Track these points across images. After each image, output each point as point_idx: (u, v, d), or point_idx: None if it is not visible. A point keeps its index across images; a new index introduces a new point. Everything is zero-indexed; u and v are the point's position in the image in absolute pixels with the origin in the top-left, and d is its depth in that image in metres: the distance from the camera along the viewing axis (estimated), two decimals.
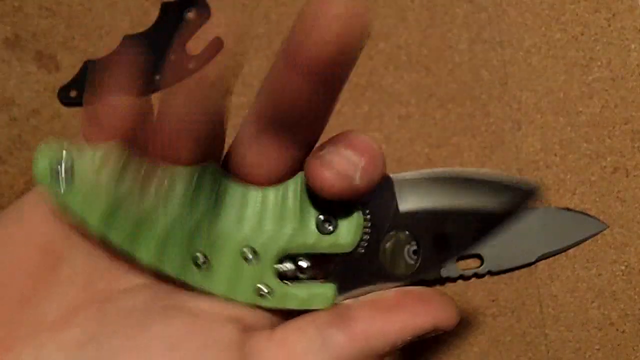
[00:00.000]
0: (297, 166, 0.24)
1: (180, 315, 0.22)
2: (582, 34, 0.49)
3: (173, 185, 0.22)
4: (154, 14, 0.50)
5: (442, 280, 0.45)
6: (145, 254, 0.22)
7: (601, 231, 0.46)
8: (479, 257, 0.45)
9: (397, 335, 0.23)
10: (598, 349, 0.45)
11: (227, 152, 0.25)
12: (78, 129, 0.49)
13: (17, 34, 0.51)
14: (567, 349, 0.45)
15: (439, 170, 0.25)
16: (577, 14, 0.49)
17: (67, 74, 0.50)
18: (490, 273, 0.46)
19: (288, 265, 0.24)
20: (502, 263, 0.45)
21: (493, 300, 0.46)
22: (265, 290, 0.23)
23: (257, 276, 0.23)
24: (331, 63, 0.19)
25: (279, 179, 0.23)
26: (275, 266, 0.23)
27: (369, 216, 0.24)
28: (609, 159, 0.47)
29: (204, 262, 0.22)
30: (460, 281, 0.46)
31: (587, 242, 0.46)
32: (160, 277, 0.23)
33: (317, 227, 0.23)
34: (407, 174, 0.24)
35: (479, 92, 0.48)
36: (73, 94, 0.49)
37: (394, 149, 0.47)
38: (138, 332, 0.21)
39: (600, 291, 0.45)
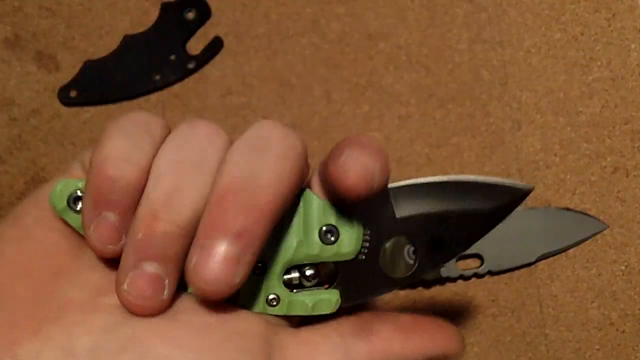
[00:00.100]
0: None
1: (206, 305, 0.22)
2: (582, 34, 0.49)
3: None
4: (154, 14, 0.50)
5: (442, 280, 0.45)
6: None
7: (601, 231, 0.46)
8: (479, 257, 0.45)
9: (412, 354, 0.24)
10: (598, 349, 0.45)
11: None
12: (78, 129, 0.49)
13: (17, 34, 0.51)
14: (567, 349, 0.45)
15: (432, 177, 0.26)
16: (577, 14, 0.49)
17: (67, 74, 0.50)
18: (490, 273, 0.46)
19: (294, 275, 0.25)
20: (502, 263, 0.45)
21: (493, 300, 0.46)
22: (273, 298, 0.24)
23: (266, 287, 0.24)
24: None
25: None
26: (284, 276, 0.24)
27: (368, 225, 0.25)
28: (609, 159, 0.47)
29: None
30: (460, 281, 0.46)
31: (587, 242, 0.46)
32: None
33: (320, 238, 0.24)
34: (402, 182, 0.25)
35: (479, 92, 0.48)
36: (73, 94, 0.49)
37: (394, 149, 0.47)
38: (165, 320, 0.22)
39: (600, 291, 0.45)
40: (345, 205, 0.24)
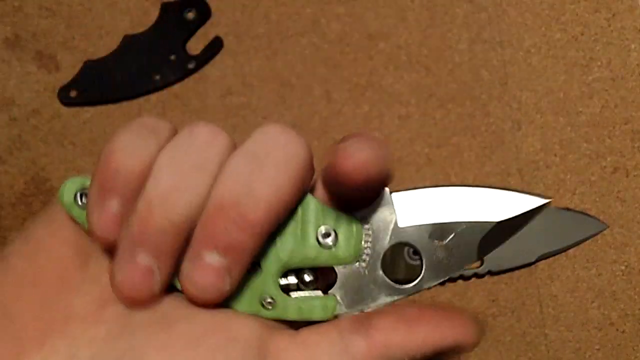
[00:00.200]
0: None
1: (202, 312, 0.23)
2: (582, 34, 0.49)
3: None
4: (154, 14, 0.50)
5: (442, 281, 0.45)
6: None
7: (601, 231, 0.46)
8: None
9: (417, 347, 0.23)
10: (598, 349, 0.45)
11: None
12: (78, 129, 0.49)
13: (17, 34, 0.51)
14: (567, 349, 0.45)
15: (441, 186, 0.25)
16: (577, 14, 0.49)
17: (67, 74, 0.50)
18: (490, 273, 0.46)
19: (291, 279, 0.24)
20: (502, 263, 0.45)
21: (493, 300, 0.46)
22: (268, 301, 0.24)
23: (260, 287, 0.24)
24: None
25: None
26: (280, 280, 0.24)
27: (369, 231, 0.24)
28: (609, 159, 0.47)
29: None
30: (460, 281, 0.46)
31: (587, 242, 0.46)
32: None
33: (318, 241, 0.24)
34: (407, 190, 0.25)
35: (479, 92, 0.48)
36: (73, 94, 0.49)
37: (394, 149, 0.47)
38: (161, 329, 0.22)
39: (600, 291, 0.45)
40: (346, 209, 0.24)
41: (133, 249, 0.22)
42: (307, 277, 0.24)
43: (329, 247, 0.24)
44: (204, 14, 0.50)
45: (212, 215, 0.21)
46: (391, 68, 0.49)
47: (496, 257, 0.45)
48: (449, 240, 0.24)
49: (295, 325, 0.25)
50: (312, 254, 0.24)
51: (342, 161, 0.21)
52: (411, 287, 0.25)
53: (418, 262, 0.25)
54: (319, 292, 0.25)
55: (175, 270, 0.22)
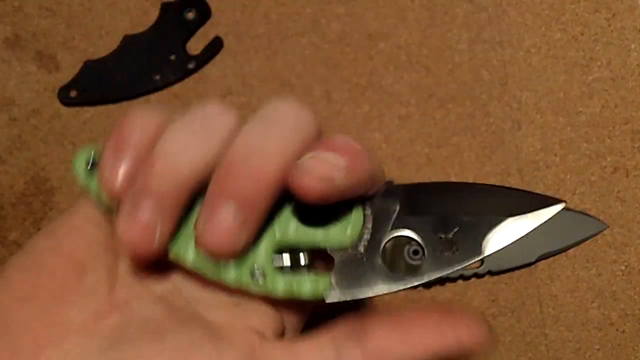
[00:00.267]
0: None
1: (194, 326, 0.23)
2: (582, 34, 0.49)
3: None
4: (154, 14, 0.50)
5: (442, 281, 0.45)
6: None
7: (601, 231, 0.46)
8: None
9: (415, 353, 0.22)
10: (598, 349, 0.45)
11: None
12: (78, 129, 0.49)
13: (17, 34, 0.51)
14: (567, 349, 0.45)
15: (446, 183, 0.25)
16: (577, 14, 0.49)
17: (67, 74, 0.50)
18: (490, 273, 0.46)
19: (286, 257, 0.24)
20: (502, 263, 0.45)
21: (493, 300, 0.46)
22: (258, 273, 0.23)
23: (254, 259, 0.23)
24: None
25: None
26: (275, 258, 0.24)
27: (372, 217, 0.24)
28: (609, 159, 0.47)
29: None
30: (460, 281, 0.46)
31: (587, 242, 0.46)
32: (176, 283, 0.24)
33: (315, 220, 0.24)
34: (415, 183, 0.25)
35: (479, 92, 0.48)
36: (73, 94, 0.49)
37: (394, 149, 0.47)
38: (153, 342, 0.22)
39: (600, 291, 0.45)
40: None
41: (137, 201, 0.22)
42: (302, 257, 0.24)
43: (327, 228, 0.24)
44: (204, 14, 0.50)
45: (227, 169, 0.22)
46: (391, 68, 0.49)
47: (496, 257, 0.45)
48: (453, 234, 0.24)
49: (298, 328, 0.25)
50: (307, 233, 0.24)
51: (294, 180, 0.22)
52: (410, 279, 0.24)
53: (419, 262, 0.24)
54: (313, 273, 0.24)
55: (176, 231, 0.23)
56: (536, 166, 0.47)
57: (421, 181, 0.25)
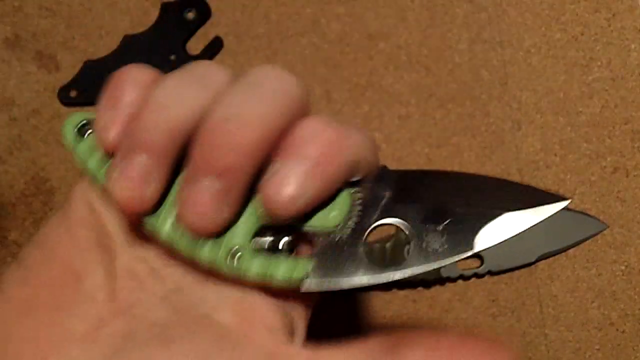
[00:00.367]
0: None
1: (204, 330, 0.22)
2: (582, 34, 0.49)
3: None
4: (154, 14, 0.50)
5: (442, 280, 0.45)
6: None
7: (601, 231, 0.46)
8: (479, 257, 0.46)
9: None
10: (598, 349, 0.45)
11: None
12: None
13: (17, 34, 0.51)
14: (567, 349, 0.45)
15: (444, 171, 0.23)
16: (577, 14, 0.49)
17: (67, 74, 0.50)
18: (490, 273, 0.46)
19: (268, 238, 0.23)
20: (502, 263, 0.45)
21: (493, 300, 0.46)
22: (235, 252, 0.22)
23: (232, 238, 0.22)
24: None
25: None
26: (255, 239, 0.23)
27: (358, 202, 0.23)
28: (609, 159, 0.47)
29: None
30: (460, 281, 0.46)
31: (587, 242, 0.46)
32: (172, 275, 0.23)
33: None
34: (408, 170, 0.23)
35: (479, 92, 0.48)
36: (73, 94, 0.49)
37: (394, 149, 0.47)
38: (162, 347, 0.21)
39: (600, 291, 0.45)
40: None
41: (128, 148, 0.22)
42: (284, 239, 0.23)
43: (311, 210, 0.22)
44: (204, 14, 0.50)
45: (205, 140, 0.21)
46: (391, 68, 0.49)
47: (496, 257, 0.45)
48: (443, 226, 0.22)
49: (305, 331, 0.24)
50: None
51: (264, 203, 0.21)
52: (393, 271, 0.22)
53: (404, 254, 0.23)
54: (293, 258, 0.23)
55: (168, 184, 0.22)
56: (536, 166, 0.47)
57: (420, 168, 0.24)
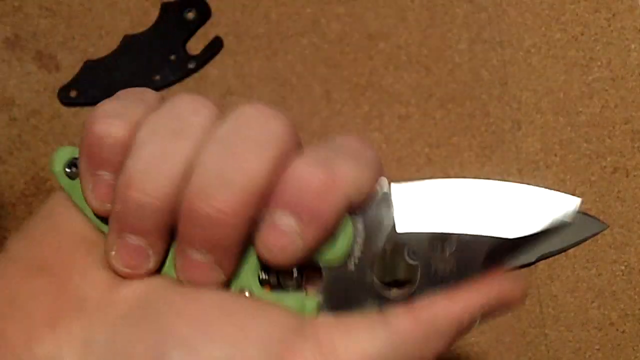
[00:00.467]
0: None
1: (226, 291, 0.22)
2: (582, 34, 0.49)
3: None
4: (154, 14, 0.50)
5: None
6: None
7: (601, 231, 0.46)
8: None
9: (461, 313, 0.21)
10: (598, 349, 0.45)
11: None
12: (78, 129, 0.49)
13: (17, 34, 0.51)
14: (567, 349, 0.45)
15: (447, 181, 0.22)
16: (577, 14, 0.49)
17: (67, 74, 0.50)
18: None
19: (273, 273, 0.22)
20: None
21: None
22: (247, 294, 0.22)
23: (239, 280, 0.23)
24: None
25: None
26: (262, 274, 0.23)
27: (362, 230, 0.22)
28: (609, 159, 0.47)
29: None
30: None
31: (587, 242, 0.46)
32: None
33: None
34: (410, 183, 0.22)
35: (479, 92, 0.48)
36: (73, 94, 0.49)
37: (394, 149, 0.47)
38: (189, 300, 0.21)
39: (600, 291, 0.45)
40: None
41: (120, 228, 0.21)
42: (291, 275, 0.22)
43: None
44: (204, 14, 0.50)
45: (186, 209, 0.21)
46: (391, 68, 0.49)
47: None
48: (450, 252, 0.22)
49: None
50: None
51: (261, 252, 0.21)
52: (402, 296, 0.22)
53: (417, 263, 0.22)
54: (303, 292, 0.23)
55: (170, 244, 0.22)
56: (536, 166, 0.47)
57: (423, 179, 0.22)
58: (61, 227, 0.23)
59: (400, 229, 0.22)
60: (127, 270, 0.22)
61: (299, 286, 0.23)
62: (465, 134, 0.47)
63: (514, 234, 0.22)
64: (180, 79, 0.49)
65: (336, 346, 0.20)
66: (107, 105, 0.22)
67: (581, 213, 0.46)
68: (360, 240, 0.22)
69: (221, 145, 0.21)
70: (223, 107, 0.22)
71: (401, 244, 0.23)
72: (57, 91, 0.49)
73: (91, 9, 0.51)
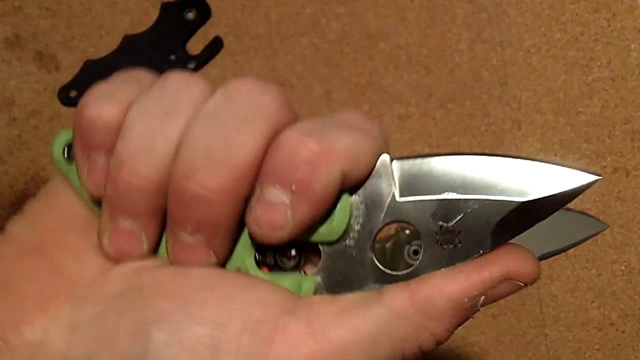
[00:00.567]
0: None
1: (233, 277, 0.22)
2: (582, 34, 0.49)
3: None
4: (154, 14, 0.50)
5: None
6: None
7: (601, 231, 0.46)
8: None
9: (461, 291, 0.20)
10: (598, 349, 0.45)
11: None
12: None
13: (17, 34, 0.51)
14: (567, 349, 0.45)
15: (455, 153, 0.20)
16: (577, 14, 0.49)
17: (67, 74, 0.50)
18: None
19: (270, 253, 0.21)
20: None
21: None
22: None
23: (235, 258, 0.22)
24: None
25: None
26: (257, 256, 0.22)
27: (361, 204, 0.21)
28: (609, 159, 0.47)
29: None
30: None
31: (587, 242, 0.46)
32: None
33: None
34: (412, 159, 0.21)
35: (479, 92, 0.48)
36: (73, 94, 0.49)
37: (394, 149, 0.47)
38: (175, 277, 0.21)
39: (600, 291, 0.45)
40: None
41: (112, 212, 0.21)
42: (289, 256, 0.21)
43: None
44: (204, 14, 0.50)
45: (174, 189, 0.20)
46: (391, 68, 0.49)
47: None
48: (455, 222, 0.20)
49: None
50: None
51: (249, 230, 0.20)
52: (404, 274, 0.21)
53: (416, 261, 0.21)
54: (300, 272, 0.22)
55: (163, 226, 0.22)
56: None
57: (427, 152, 0.22)
58: (59, 209, 0.23)
59: (400, 198, 0.21)
60: (120, 255, 0.21)
61: (298, 267, 0.22)
62: (465, 134, 0.47)
63: (526, 197, 0.20)
64: None
65: (328, 325, 0.20)
66: (98, 89, 0.22)
67: (581, 213, 0.46)
68: (358, 214, 0.21)
69: (209, 121, 0.20)
70: (216, 86, 0.22)
71: (402, 245, 0.23)
72: (57, 91, 0.49)
73: (91, 9, 0.51)
